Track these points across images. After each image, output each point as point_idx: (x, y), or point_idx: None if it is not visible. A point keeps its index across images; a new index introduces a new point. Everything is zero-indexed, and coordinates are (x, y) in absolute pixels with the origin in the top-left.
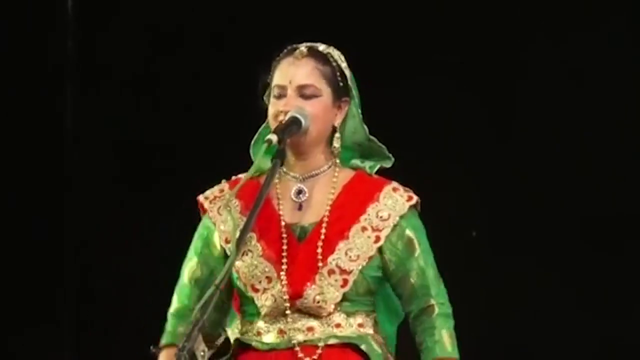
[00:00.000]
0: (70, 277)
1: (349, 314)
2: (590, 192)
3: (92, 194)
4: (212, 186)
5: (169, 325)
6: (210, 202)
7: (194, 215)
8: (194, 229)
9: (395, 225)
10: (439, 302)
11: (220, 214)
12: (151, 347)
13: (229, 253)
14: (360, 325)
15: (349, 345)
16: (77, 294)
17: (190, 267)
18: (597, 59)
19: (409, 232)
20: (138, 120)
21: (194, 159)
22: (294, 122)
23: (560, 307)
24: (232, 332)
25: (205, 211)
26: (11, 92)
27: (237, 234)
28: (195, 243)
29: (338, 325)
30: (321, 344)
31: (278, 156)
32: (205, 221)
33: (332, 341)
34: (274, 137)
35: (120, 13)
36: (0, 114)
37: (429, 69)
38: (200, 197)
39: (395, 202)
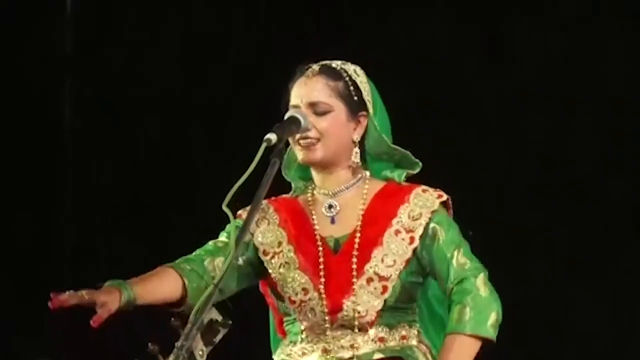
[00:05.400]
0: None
1: (391, 327)
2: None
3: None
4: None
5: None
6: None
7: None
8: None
9: (427, 224)
10: (456, 282)
11: (258, 226)
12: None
13: (267, 266)
14: (403, 337)
15: (394, 359)
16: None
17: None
18: None
19: (433, 225)
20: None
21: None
22: (293, 122)
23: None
24: (278, 357)
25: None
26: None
27: (241, 235)
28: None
29: (382, 340)
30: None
31: (276, 155)
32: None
33: (377, 356)
34: (272, 137)
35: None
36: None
37: None
38: (241, 211)
39: (425, 200)
